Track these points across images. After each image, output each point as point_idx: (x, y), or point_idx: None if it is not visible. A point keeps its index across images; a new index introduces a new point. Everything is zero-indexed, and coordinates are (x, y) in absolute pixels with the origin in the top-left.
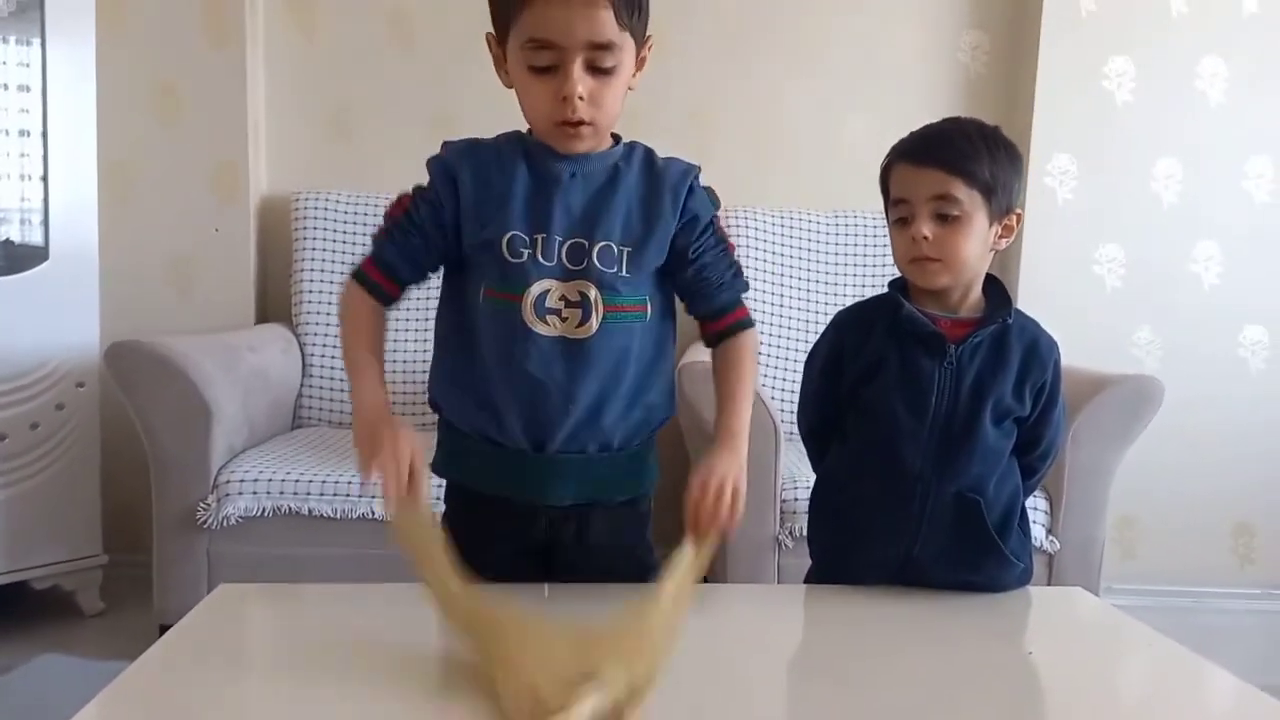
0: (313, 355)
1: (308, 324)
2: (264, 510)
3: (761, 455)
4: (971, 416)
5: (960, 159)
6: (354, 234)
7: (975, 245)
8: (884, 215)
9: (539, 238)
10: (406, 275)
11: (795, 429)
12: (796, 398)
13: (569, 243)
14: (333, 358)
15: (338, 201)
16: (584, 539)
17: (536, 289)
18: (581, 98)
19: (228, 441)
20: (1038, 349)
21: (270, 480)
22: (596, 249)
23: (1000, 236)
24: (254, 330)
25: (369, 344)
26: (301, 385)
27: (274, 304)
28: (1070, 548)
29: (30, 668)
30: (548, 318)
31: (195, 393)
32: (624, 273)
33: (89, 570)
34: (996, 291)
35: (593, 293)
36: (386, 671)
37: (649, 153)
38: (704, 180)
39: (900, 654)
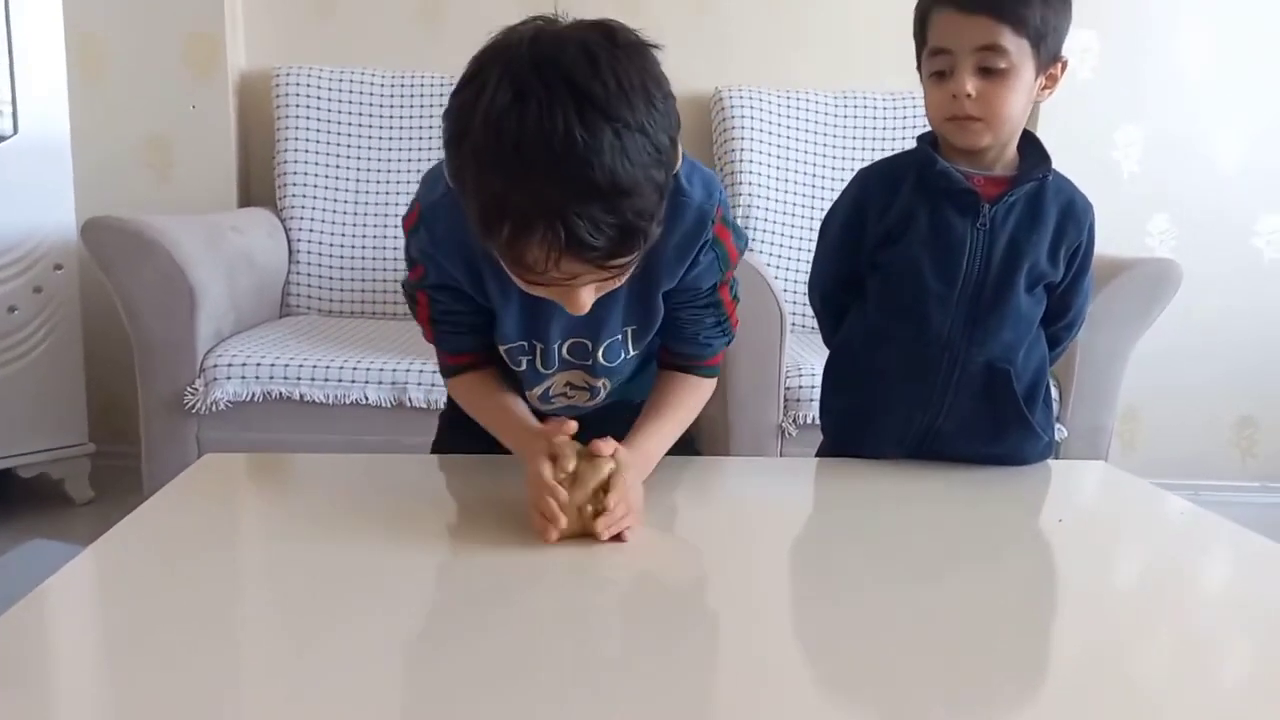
0: (299, 240)
1: (293, 207)
2: (253, 395)
3: (765, 342)
4: (1004, 281)
5: (1010, 2)
6: (339, 112)
7: (1020, 101)
8: (892, 95)
9: (538, 347)
10: (484, 340)
11: (799, 317)
12: (801, 285)
13: (569, 342)
14: (319, 242)
15: (321, 77)
16: (610, 423)
17: (539, 389)
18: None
19: (214, 325)
20: (1074, 209)
21: (259, 365)
22: (602, 349)
23: (1044, 88)
24: (237, 213)
25: (499, 401)
26: (289, 271)
27: (258, 187)
28: (1078, 436)
29: (19, 552)
30: (554, 400)
31: (177, 271)
32: (630, 353)
33: (76, 459)
34: (1033, 148)
35: (599, 382)
36: (376, 538)
37: None
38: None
39: (924, 524)
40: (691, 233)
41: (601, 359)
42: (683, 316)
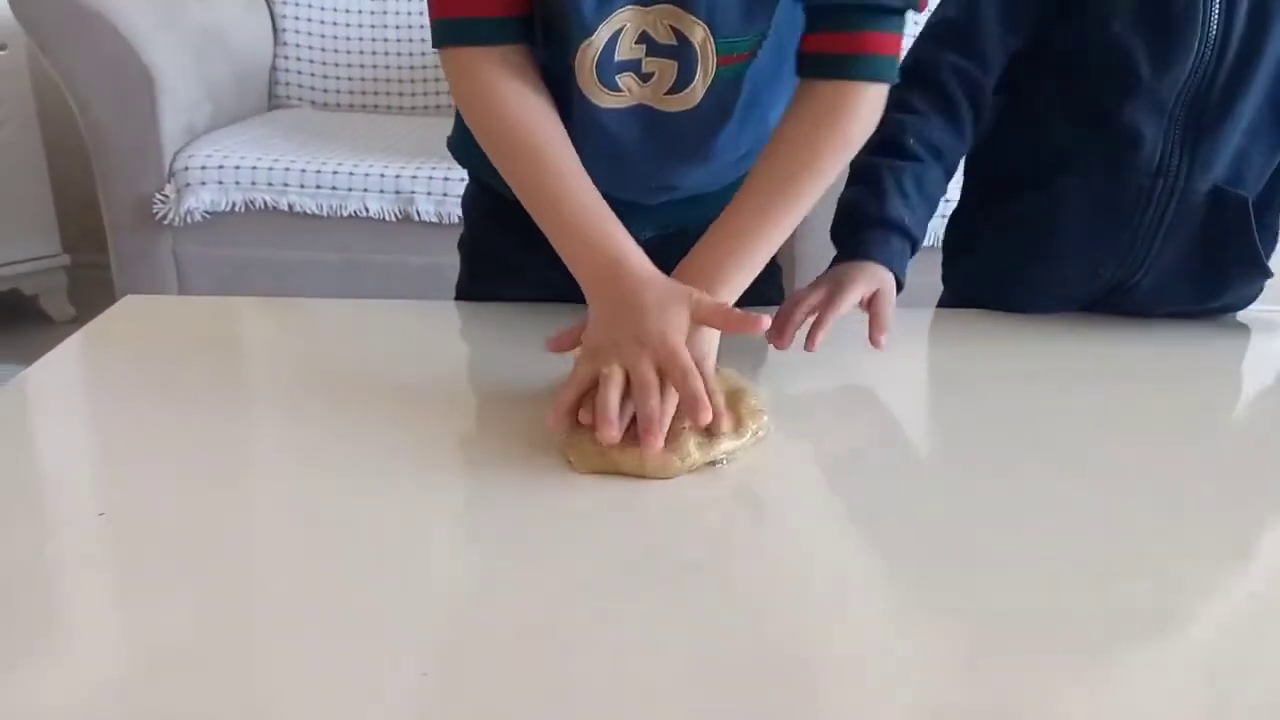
0: (285, 16)
1: None
2: (234, 204)
3: None
4: (1244, 69)
5: None
6: None
7: None
8: None
9: None
10: None
11: None
12: None
13: None
14: (310, 19)
15: None
16: (674, 261)
17: (601, 36)
18: None
19: (184, 119)
20: None
21: (239, 168)
22: None
23: None
24: None
25: (558, 164)
26: (275, 55)
27: None
28: None
29: None
30: (621, 78)
31: (126, 50)
32: None
33: (51, 271)
34: None
35: (699, 34)
36: (300, 399)
37: None
38: None
39: (1134, 420)
40: None
41: None
42: None
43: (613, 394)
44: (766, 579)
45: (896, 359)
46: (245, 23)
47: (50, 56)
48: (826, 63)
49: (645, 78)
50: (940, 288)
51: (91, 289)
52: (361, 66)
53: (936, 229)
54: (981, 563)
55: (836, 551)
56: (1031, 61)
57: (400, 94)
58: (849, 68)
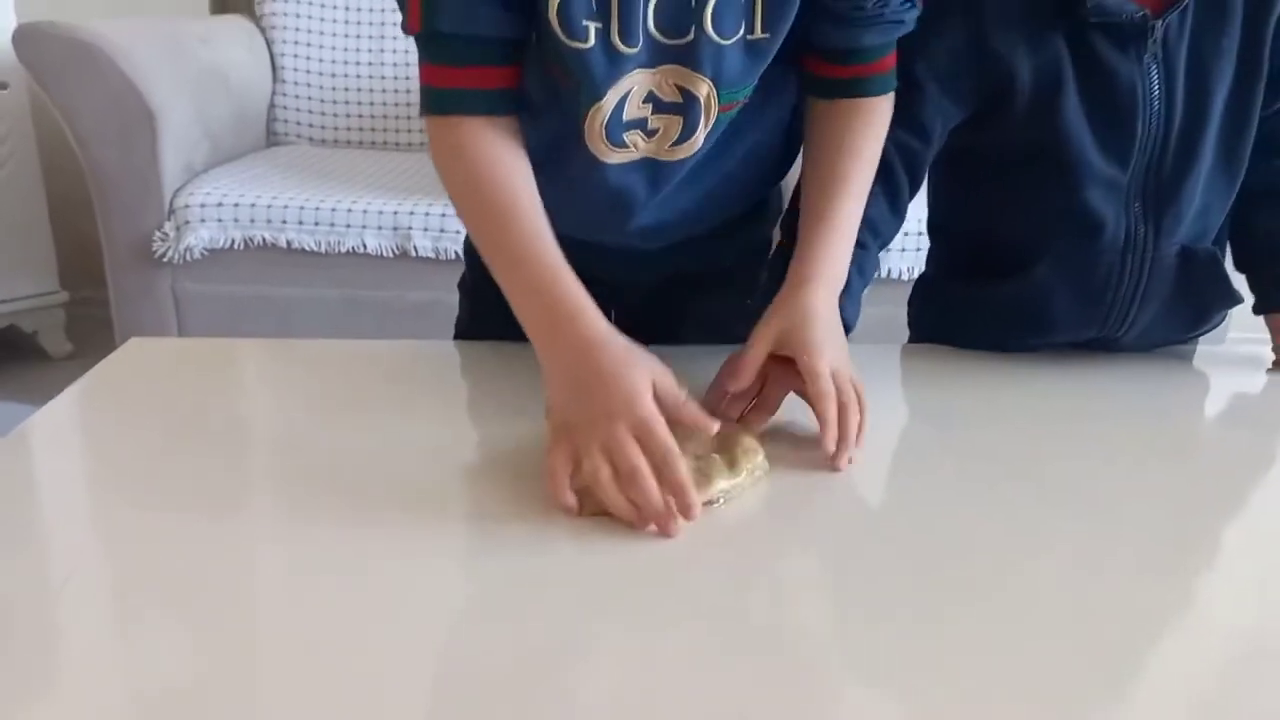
0: (284, 56)
1: (275, 14)
2: (233, 242)
3: None
4: (1193, 129)
5: None
6: None
7: None
8: None
9: (612, 4)
10: (509, 30)
11: None
12: None
13: None
14: (308, 58)
15: None
16: (676, 305)
17: (611, 100)
18: None
19: (184, 158)
20: None
21: (239, 206)
22: (711, 6)
23: None
24: (208, 21)
25: (528, 226)
26: (274, 94)
27: None
28: None
29: None
30: (628, 135)
31: (130, 89)
32: (759, 32)
33: (49, 309)
34: None
35: (704, 90)
36: (305, 447)
37: None
38: None
39: (1121, 452)
40: None
41: (710, 25)
42: None
43: (612, 490)
44: (764, 617)
45: (886, 395)
46: (246, 62)
47: (52, 95)
48: (843, 85)
49: (651, 134)
50: (893, 315)
51: (89, 326)
52: (359, 104)
53: (889, 263)
54: (979, 597)
55: (833, 589)
56: (990, 160)
57: (397, 130)
58: (867, 87)
